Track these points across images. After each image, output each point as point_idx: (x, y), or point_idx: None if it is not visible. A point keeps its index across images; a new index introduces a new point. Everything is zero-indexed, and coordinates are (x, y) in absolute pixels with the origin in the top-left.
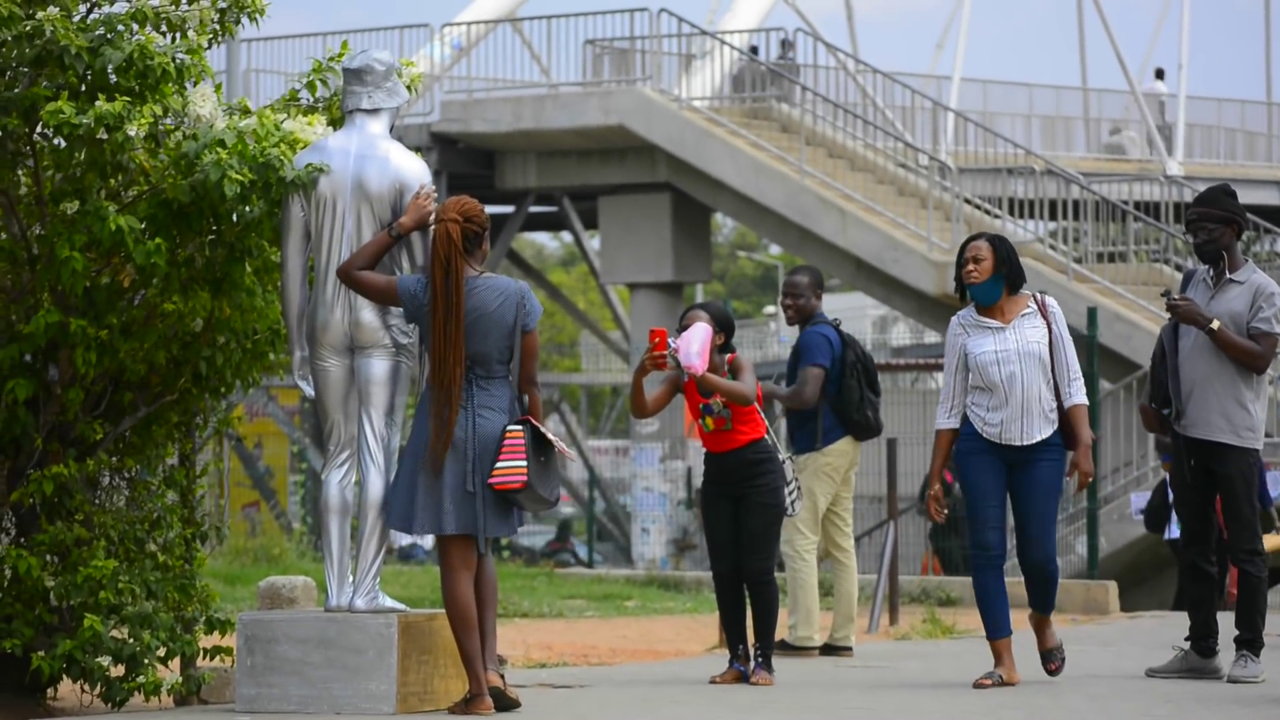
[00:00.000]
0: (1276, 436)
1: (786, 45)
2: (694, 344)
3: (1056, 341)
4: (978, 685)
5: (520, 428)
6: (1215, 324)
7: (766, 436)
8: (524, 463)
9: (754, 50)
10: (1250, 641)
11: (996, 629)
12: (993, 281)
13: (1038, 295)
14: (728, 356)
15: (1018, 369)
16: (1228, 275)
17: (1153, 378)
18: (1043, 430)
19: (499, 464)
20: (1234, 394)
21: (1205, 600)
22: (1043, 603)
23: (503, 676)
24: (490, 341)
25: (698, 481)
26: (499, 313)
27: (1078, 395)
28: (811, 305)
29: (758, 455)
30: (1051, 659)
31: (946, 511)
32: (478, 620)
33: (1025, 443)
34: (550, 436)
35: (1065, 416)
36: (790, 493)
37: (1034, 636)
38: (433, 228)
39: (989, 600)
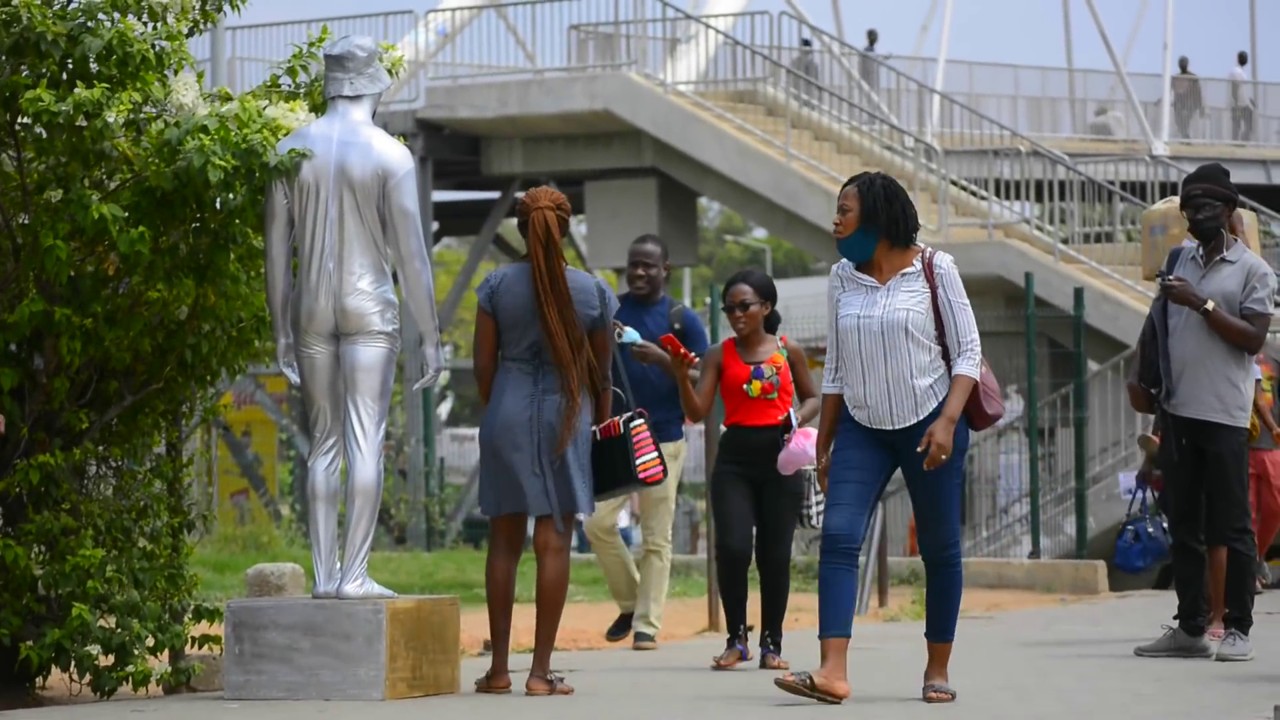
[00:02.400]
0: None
1: (806, 43)
2: (807, 459)
3: (943, 307)
4: (780, 683)
5: (641, 420)
6: (1210, 305)
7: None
8: (657, 454)
9: (806, 44)
10: (1239, 619)
11: (827, 624)
12: (860, 234)
13: (927, 251)
14: (780, 338)
15: (879, 341)
16: (1221, 254)
17: (1142, 357)
18: (919, 411)
19: (641, 458)
20: (1225, 373)
21: (1194, 579)
22: (938, 617)
23: (550, 681)
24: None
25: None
26: (579, 304)
27: (963, 365)
28: (662, 276)
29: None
30: (932, 689)
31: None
32: (521, 609)
33: (896, 427)
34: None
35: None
36: (821, 502)
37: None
38: (529, 216)
39: (827, 591)
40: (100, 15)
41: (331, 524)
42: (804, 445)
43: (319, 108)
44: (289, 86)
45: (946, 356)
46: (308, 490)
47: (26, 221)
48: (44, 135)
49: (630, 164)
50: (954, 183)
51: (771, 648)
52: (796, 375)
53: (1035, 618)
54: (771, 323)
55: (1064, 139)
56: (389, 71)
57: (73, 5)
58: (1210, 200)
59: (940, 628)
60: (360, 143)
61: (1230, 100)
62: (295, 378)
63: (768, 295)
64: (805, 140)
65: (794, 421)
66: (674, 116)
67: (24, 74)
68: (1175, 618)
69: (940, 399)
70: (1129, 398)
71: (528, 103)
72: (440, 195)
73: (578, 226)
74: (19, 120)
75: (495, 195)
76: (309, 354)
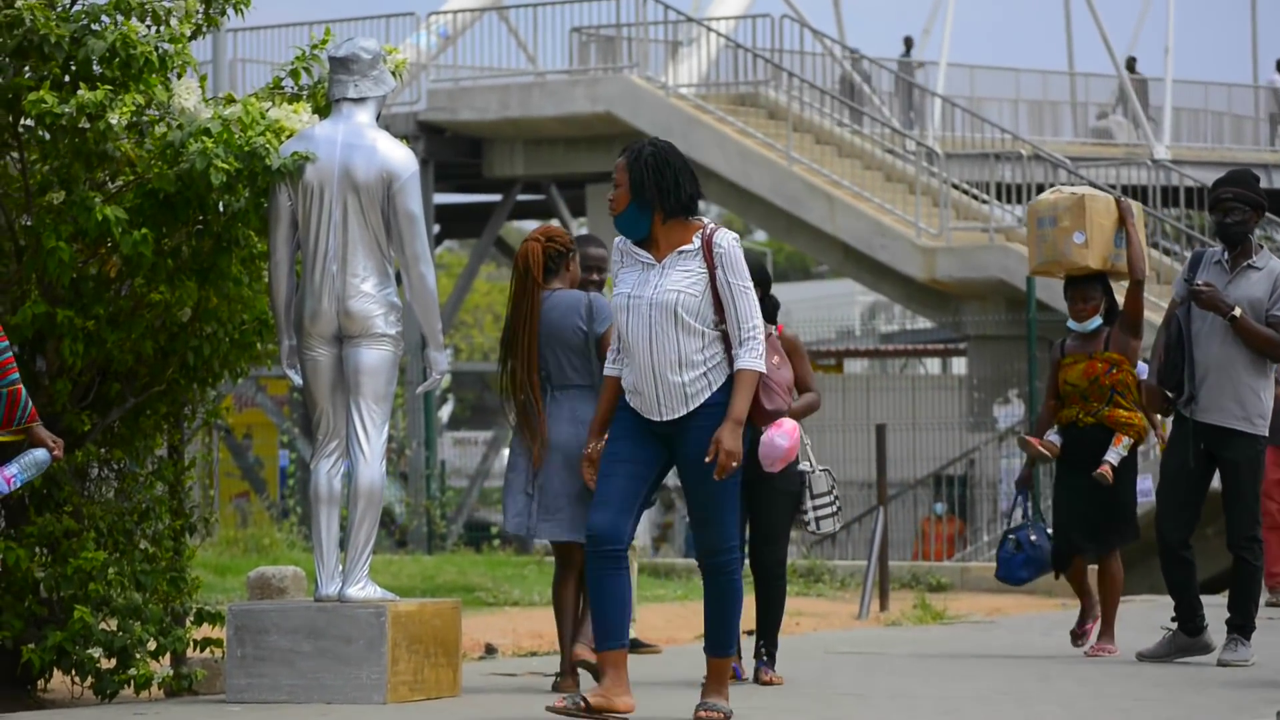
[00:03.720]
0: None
1: (909, 43)
2: (783, 453)
3: (722, 289)
4: (550, 709)
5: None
6: (1237, 311)
7: None
8: None
9: (853, 52)
10: (1241, 626)
11: (600, 636)
12: (633, 210)
13: (708, 228)
14: (776, 328)
15: (646, 324)
16: (1249, 261)
17: (1165, 360)
18: (689, 403)
19: None
20: (1248, 380)
21: (1186, 584)
22: (713, 629)
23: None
24: (558, 354)
25: None
26: (561, 323)
27: (745, 357)
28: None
29: None
30: (703, 707)
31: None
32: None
33: (665, 418)
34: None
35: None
36: (823, 506)
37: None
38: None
39: (596, 599)
40: (104, 18)
41: (334, 527)
42: (772, 437)
43: (322, 110)
44: (291, 89)
45: (729, 344)
46: (310, 493)
47: (29, 223)
48: (47, 137)
49: None
50: (955, 186)
51: (765, 660)
52: (793, 367)
53: (1036, 622)
54: (768, 311)
55: (1065, 143)
56: (392, 74)
57: (76, 8)
58: (1240, 205)
59: (715, 641)
60: (365, 145)
61: (1261, 109)
62: (299, 380)
63: (759, 282)
64: (807, 143)
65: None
66: (675, 119)
67: (27, 76)
68: (1173, 619)
69: (714, 389)
70: (1145, 397)
71: (529, 105)
72: (442, 198)
73: (578, 229)
74: (22, 122)
75: (497, 198)
76: (312, 356)
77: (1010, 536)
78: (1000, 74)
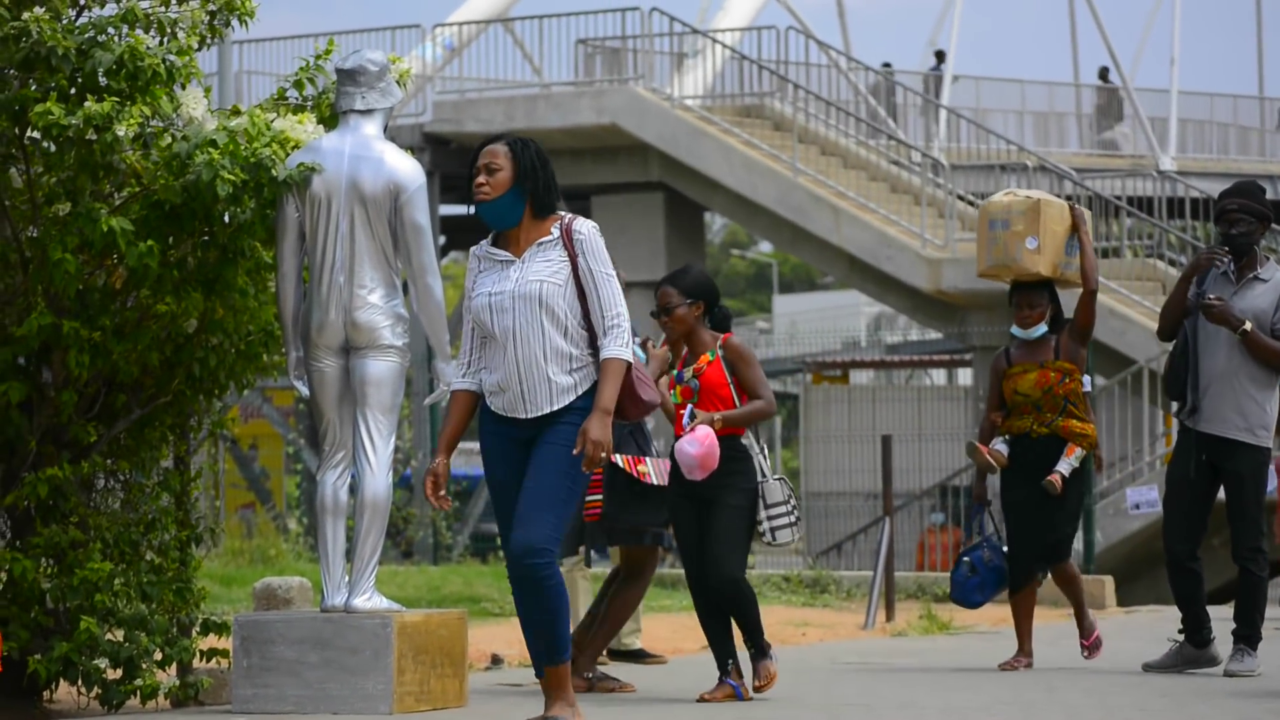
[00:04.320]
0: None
1: (941, 56)
2: (694, 461)
3: (584, 277)
4: None
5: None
6: (1248, 326)
7: (743, 438)
8: (599, 496)
9: (887, 65)
10: (1248, 637)
11: (538, 655)
12: (511, 198)
13: (566, 217)
14: (721, 337)
15: (511, 318)
16: (1255, 272)
17: (1172, 370)
18: (555, 399)
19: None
20: (1251, 391)
21: (1193, 596)
22: (542, 639)
23: (587, 678)
24: None
25: None
26: None
27: (612, 346)
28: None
29: (730, 452)
30: None
31: (446, 495)
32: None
33: (530, 415)
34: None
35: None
36: (778, 516)
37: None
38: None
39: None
40: (110, 30)
41: (340, 538)
42: (682, 445)
43: (327, 120)
44: (296, 99)
45: (595, 345)
46: (317, 504)
47: (35, 235)
48: (53, 149)
49: (637, 178)
50: (961, 197)
51: (753, 653)
52: (738, 375)
53: (1042, 633)
54: (718, 321)
55: (1071, 154)
56: (397, 84)
57: (83, 20)
58: (1245, 216)
59: (540, 651)
60: (372, 157)
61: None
62: (305, 391)
63: (697, 295)
64: (812, 155)
65: (749, 440)
66: (681, 131)
67: (34, 88)
68: (1180, 631)
69: (580, 392)
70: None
71: (535, 117)
72: (447, 209)
73: None
74: (28, 134)
75: None
76: (319, 367)
77: (964, 559)
78: (1006, 85)
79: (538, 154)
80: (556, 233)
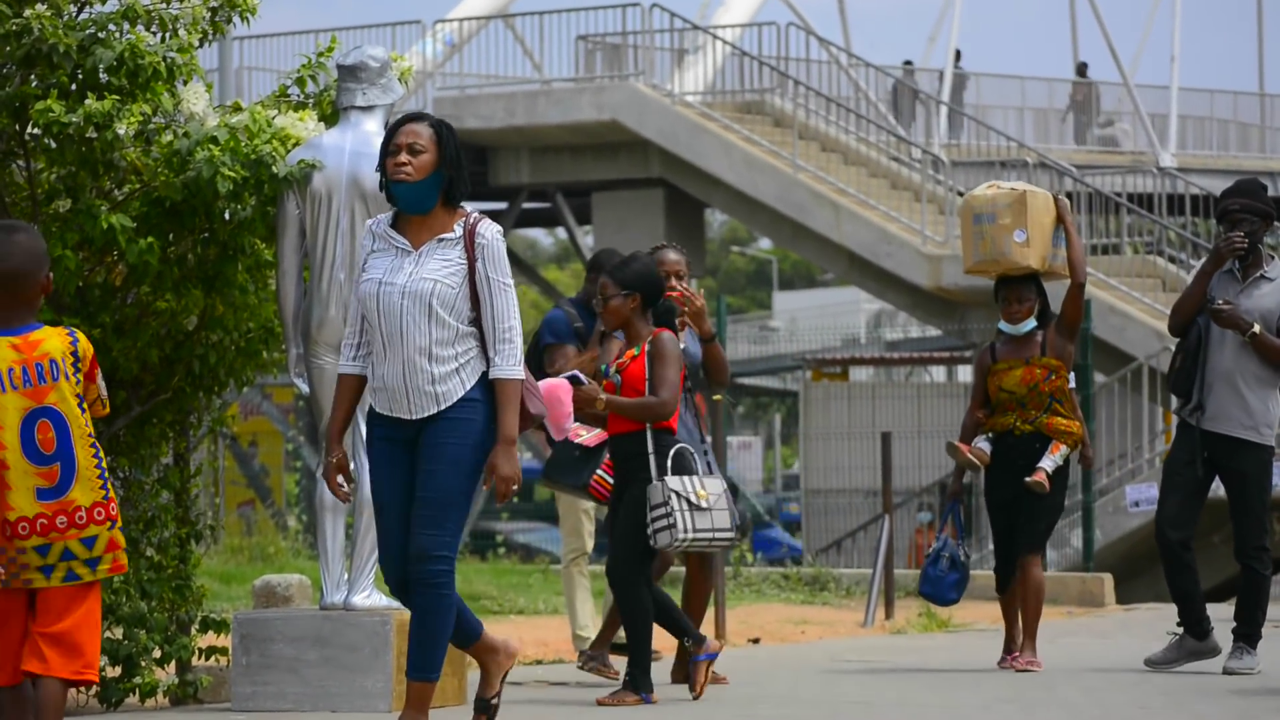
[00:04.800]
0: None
1: (959, 55)
2: (560, 413)
3: (480, 283)
4: None
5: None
6: (1257, 328)
7: (667, 435)
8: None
9: (908, 63)
10: (1248, 635)
11: (413, 665)
12: (430, 183)
13: (471, 216)
14: (654, 331)
15: (398, 313)
16: (1261, 271)
17: (1181, 367)
18: (439, 402)
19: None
20: (1256, 390)
21: (1191, 590)
22: (416, 648)
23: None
24: None
25: None
26: None
27: (506, 365)
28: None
29: (628, 448)
30: None
31: (345, 488)
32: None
33: (414, 417)
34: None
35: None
36: (658, 519)
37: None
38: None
39: (425, 626)
40: (111, 26)
41: (339, 535)
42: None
43: (328, 117)
44: (297, 96)
45: (484, 342)
46: (316, 501)
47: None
48: (54, 146)
49: (637, 175)
50: (961, 194)
51: (626, 680)
52: (650, 370)
53: (1041, 630)
54: (661, 315)
55: (1071, 150)
56: (399, 81)
57: (83, 16)
58: (1249, 216)
59: (417, 661)
60: (372, 153)
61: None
62: (305, 388)
63: (635, 287)
64: (812, 151)
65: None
66: (681, 127)
67: (35, 85)
68: (1179, 624)
69: (467, 388)
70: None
71: (535, 113)
72: None
73: (584, 238)
74: (29, 130)
75: (503, 205)
76: (319, 364)
77: (943, 554)
78: (1006, 81)
79: (458, 142)
80: (459, 231)
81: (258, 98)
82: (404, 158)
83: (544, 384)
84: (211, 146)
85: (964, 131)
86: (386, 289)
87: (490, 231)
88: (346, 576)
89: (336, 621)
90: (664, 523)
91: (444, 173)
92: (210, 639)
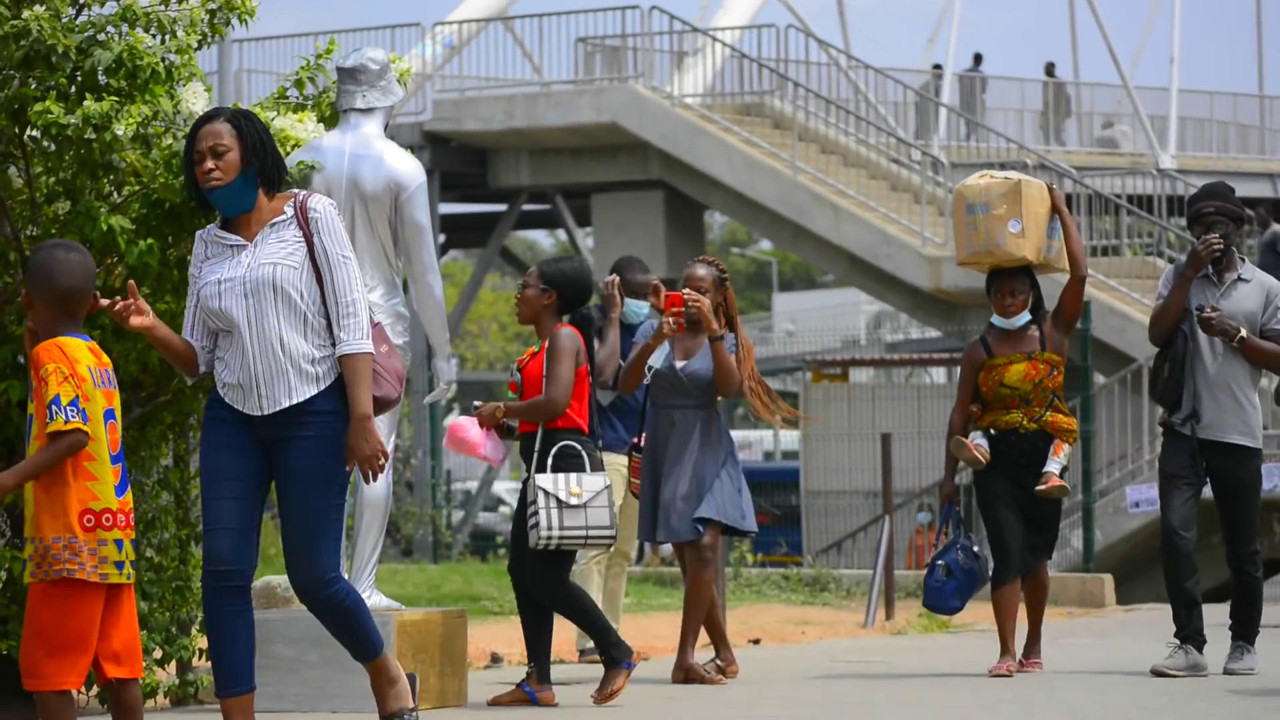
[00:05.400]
0: (1273, 429)
1: (979, 59)
2: (473, 446)
3: (320, 258)
4: None
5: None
6: (1244, 333)
7: (574, 430)
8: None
9: (938, 67)
10: (1246, 636)
11: (226, 679)
12: (243, 180)
13: (300, 194)
14: (557, 326)
15: (244, 305)
16: (1237, 274)
17: (1170, 376)
18: (293, 394)
19: None
20: (1246, 394)
21: (1197, 600)
22: (350, 644)
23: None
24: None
25: None
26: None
27: (352, 340)
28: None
29: (533, 448)
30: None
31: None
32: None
33: (266, 411)
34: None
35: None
36: (531, 516)
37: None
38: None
39: (217, 640)
40: (110, 28)
41: None
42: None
43: (327, 119)
44: (296, 98)
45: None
46: None
47: (35, 233)
48: (53, 148)
49: (637, 177)
50: None
51: (528, 679)
52: (546, 367)
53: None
54: (578, 322)
55: (1070, 152)
56: (398, 82)
57: (82, 19)
58: (1223, 219)
59: (357, 653)
60: (372, 155)
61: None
62: None
63: (554, 284)
64: (812, 153)
65: (583, 441)
66: (681, 129)
67: (33, 86)
68: (1179, 636)
69: (321, 388)
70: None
71: (535, 115)
72: (447, 208)
73: (584, 240)
74: (28, 133)
75: (502, 208)
76: None
77: (939, 563)
78: (1006, 83)
79: (260, 127)
80: (290, 211)
81: (257, 100)
82: (209, 164)
83: (450, 429)
84: None
85: (977, 134)
86: (227, 284)
87: (322, 205)
88: (347, 578)
89: None
90: (531, 521)
91: (253, 163)
92: None
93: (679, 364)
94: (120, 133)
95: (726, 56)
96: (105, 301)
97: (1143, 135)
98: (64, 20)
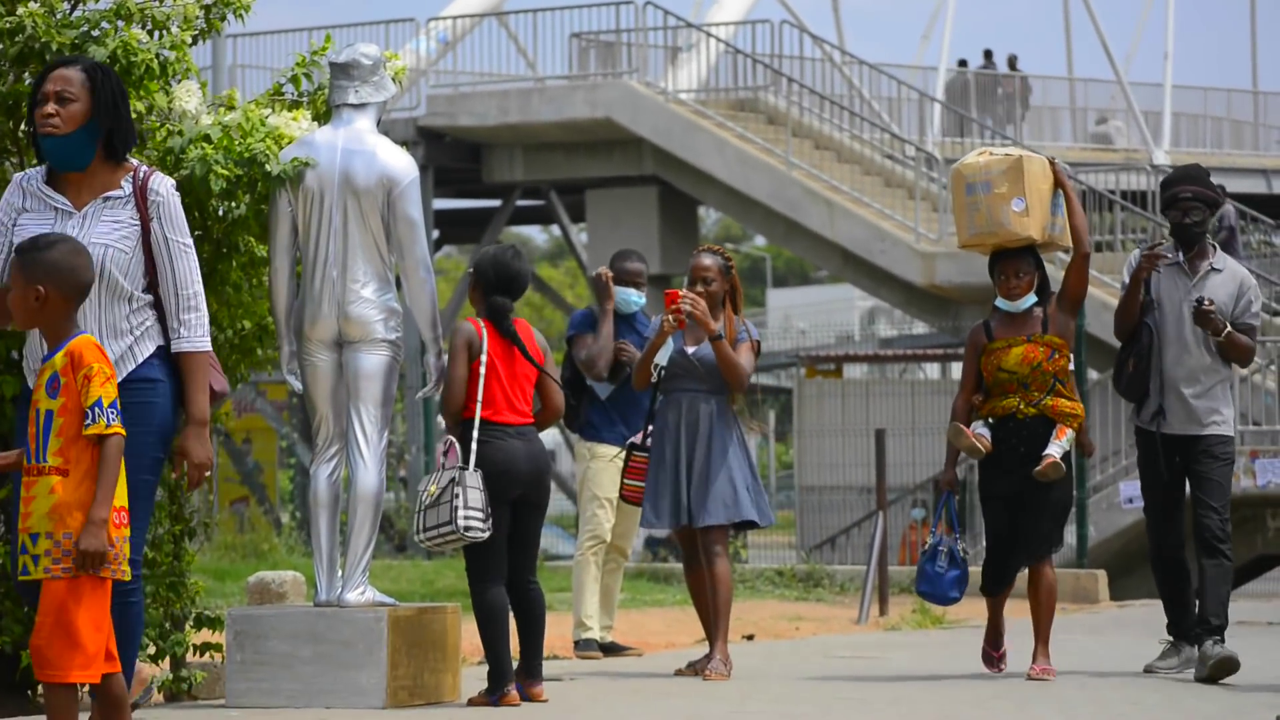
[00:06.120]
0: (1266, 425)
1: (988, 55)
2: None
3: (157, 246)
4: None
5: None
6: (1229, 328)
7: (469, 423)
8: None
9: (963, 63)
10: (1219, 628)
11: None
12: (84, 135)
13: (141, 171)
14: (518, 322)
15: None
16: (1209, 263)
17: (1136, 369)
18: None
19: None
20: (1217, 385)
21: (1189, 602)
22: (124, 651)
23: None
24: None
25: None
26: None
27: (191, 337)
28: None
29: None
30: None
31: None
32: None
33: None
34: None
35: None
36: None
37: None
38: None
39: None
40: (104, 24)
41: (334, 532)
42: None
43: (322, 116)
44: (292, 95)
45: (159, 309)
46: (310, 498)
47: None
48: None
49: (631, 172)
50: None
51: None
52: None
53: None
54: (492, 312)
55: (1064, 148)
56: (393, 80)
57: (76, 14)
58: (1200, 204)
59: (125, 661)
60: (365, 151)
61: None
62: (299, 385)
63: (475, 269)
64: (806, 149)
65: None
66: (675, 125)
67: (28, 82)
68: (1168, 630)
69: (139, 362)
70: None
71: (529, 111)
72: (441, 203)
73: (578, 235)
74: (22, 128)
75: (496, 203)
76: (312, 361)
77: (941, 549)
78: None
79: (118, 87)
80: (128, 188)
81: (251, 95)
82: (50, 108)
83: None
84: (205, 145)
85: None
86: None
87: (164, 187)
88: (340, 573)
89: (330, 618)
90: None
91: (99, 122)
92: (204, 635)
93: (690, 349)
94: None
95: (721, 52)
96: None
97: (1137, 131)
98: (58, 16)
